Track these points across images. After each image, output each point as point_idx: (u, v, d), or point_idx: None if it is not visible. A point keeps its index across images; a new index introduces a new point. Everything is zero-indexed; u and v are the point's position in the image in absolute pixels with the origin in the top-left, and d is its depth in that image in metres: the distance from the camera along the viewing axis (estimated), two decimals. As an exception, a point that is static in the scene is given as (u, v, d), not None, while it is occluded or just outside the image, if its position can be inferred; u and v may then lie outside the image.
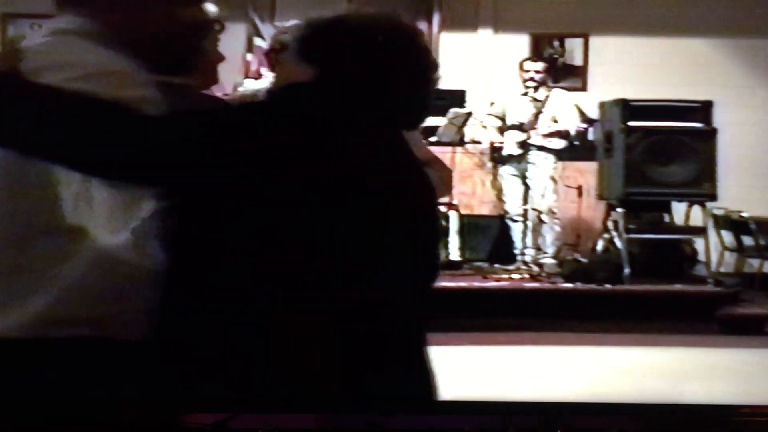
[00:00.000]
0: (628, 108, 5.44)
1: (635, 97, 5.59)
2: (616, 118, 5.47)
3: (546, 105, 5.86)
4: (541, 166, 5.80)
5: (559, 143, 5.84)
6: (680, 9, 7.43)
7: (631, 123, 5.40)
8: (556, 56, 7.50)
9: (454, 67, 6.86)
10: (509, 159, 5.88)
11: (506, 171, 5.91)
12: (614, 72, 7.29)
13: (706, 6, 7.43)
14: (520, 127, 5.83)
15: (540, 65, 5.98)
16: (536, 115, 5.83)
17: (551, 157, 5.82)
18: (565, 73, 7.29)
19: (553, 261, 5.72)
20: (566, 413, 2.16)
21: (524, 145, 5.80)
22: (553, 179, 5.86)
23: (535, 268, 5.61)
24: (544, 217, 5.82)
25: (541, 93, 5.87)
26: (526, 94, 5.88)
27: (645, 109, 5.47)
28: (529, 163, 5.82)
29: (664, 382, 3.99)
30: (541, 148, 5.79)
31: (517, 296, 5.04)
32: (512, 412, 2.10)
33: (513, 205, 5.89)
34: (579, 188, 5.98)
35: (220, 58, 2.33)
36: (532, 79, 5.86)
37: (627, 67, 7.33)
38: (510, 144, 5.85)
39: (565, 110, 5.90)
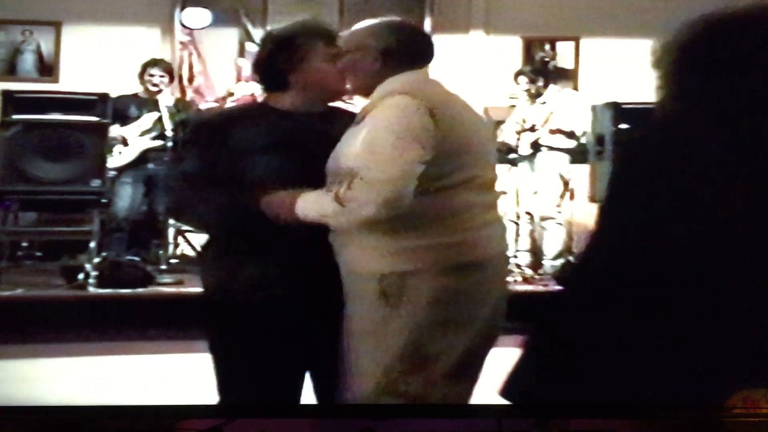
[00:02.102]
0: (619, 111, 5.45)
1: (626, 99, 5.61)
2: (608, 121, 5.48)
3: (556, 106, 5.90)
4: (551, 166, 5.85)
5: (567, 143, 5.87)
6: (671, 12, 7.44)
7: (623, 126, 5.41)
8: (547, 59, 7.52)
9: (445, 69, 6.87)
10: (521, 160, 5.93)
11: (514, 172, 5.96)
12: (605, 75, 7.31)
13: (696, 10, 7.44)
14: (532, 128, 5.89)
15: (523, 80, 6.03)
16: (547, 118, 5.88)
17: (563, 157, 5.87)
18: (556, 76, 7.30)
19: (554, 263, 5.72)
20: (560, 415, 2.17)
21: (535, 146, 5.86)
22: (564, 181, 5.89)
23: (528, 271, 5.62)
24: (546, 222, 5.85)
25: (550, 95, 5.94)
26: (534, 98, 5.96)
27: (636, 111, 5.48)
28: (537, 163, 5.87)
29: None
30: (551, 148, 5.84)
31: (509, 299, 5.03)
32: (507, 414, 2.11)
33: (508, 207, 5.92)
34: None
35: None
36: (529, 91, 5.96)
37: (618, 70, 7.35)
38: (523, 145, 5.90)
39: (575, 111, 5.92)
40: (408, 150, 2.05)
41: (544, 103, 5.90)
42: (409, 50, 2.25)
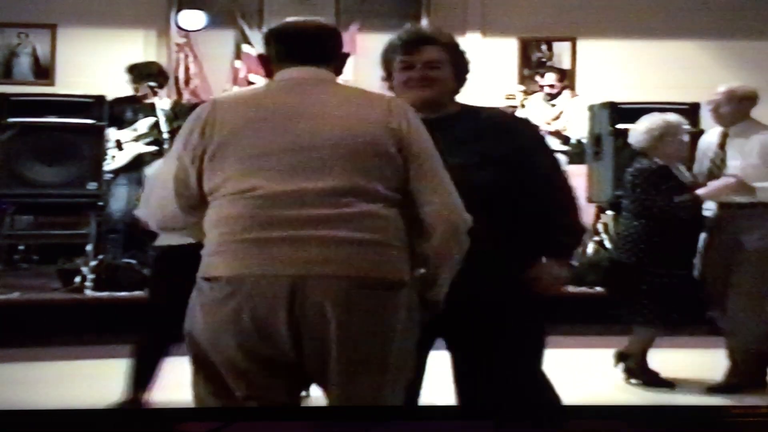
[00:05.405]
0: (616, 111, 5.45)
1: (623, 99, 5.61)
2: (605, 121, 5.48)
3: (564, 111, 5.95)
4: None
5: (562, 146, 5.91)
6: (666, 12, 7.46)
7: (620, 126, 5.41)
8: (544, 59, 7.53)
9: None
10: None
11: None
12: (602, 75, 7.32)
13: (692, 9, 7.46)
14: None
15: (551, 77, 6.07)
16: (552, 120, 5.92)
17: (561, 158, 5.92)
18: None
19: None
20: (558, 417, 2.17)
21: None
22: None
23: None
24: None
25: (561, 100, 5.99)
26: (549, 99, 6.00)
27: (633, 111, 5.48)
28: None
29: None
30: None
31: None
32: (504, 416, 2.11)
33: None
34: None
35: None
36: (543, 90, 6.00)
37: (615, 70, 7.36)
38: None
39: (577, 117, 5.95)
40: (169, 159, 2.15)
41: (554, 105, 5.95)
42: (277, 53, 2.21)
